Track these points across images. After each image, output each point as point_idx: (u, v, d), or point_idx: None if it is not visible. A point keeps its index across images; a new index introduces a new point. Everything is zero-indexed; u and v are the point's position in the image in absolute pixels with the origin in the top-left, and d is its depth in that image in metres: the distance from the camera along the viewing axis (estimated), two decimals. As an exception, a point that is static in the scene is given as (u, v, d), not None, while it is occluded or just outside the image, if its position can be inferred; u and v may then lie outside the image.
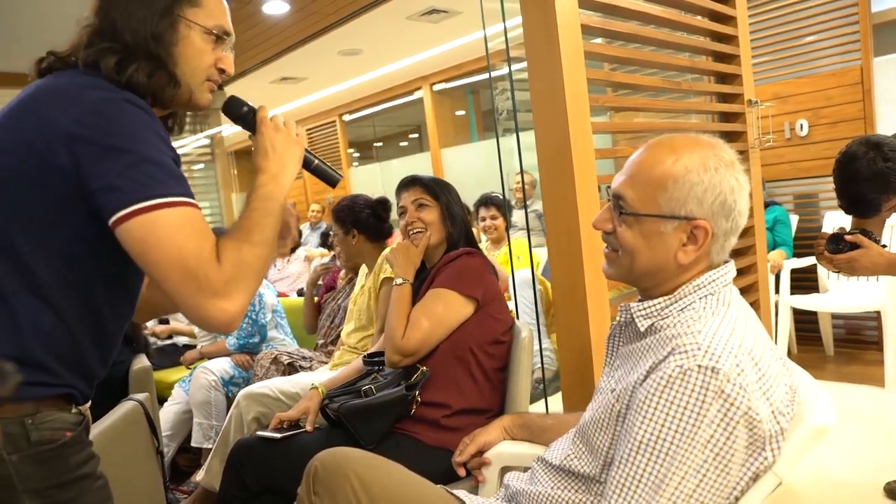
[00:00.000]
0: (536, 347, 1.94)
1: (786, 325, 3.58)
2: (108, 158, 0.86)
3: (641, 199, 1.00)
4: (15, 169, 0.88)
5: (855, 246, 1.79)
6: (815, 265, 3.68)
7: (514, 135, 1.84)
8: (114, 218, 0.86)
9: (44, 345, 0.90)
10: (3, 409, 0.86)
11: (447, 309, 1.72)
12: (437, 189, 1.90)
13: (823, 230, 3.60)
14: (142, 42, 0.97)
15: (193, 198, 0.91)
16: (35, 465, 0.87)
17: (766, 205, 3.66)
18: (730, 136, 2.22)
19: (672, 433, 0.88)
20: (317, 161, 1.14)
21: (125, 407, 1.47)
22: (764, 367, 0.93)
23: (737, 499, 0.91)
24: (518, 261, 3.42)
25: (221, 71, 1.05)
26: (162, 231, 0.86)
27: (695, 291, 1.01)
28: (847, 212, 1.93)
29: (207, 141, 5.74)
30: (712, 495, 0.88)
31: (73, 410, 0.94)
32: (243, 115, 1.10)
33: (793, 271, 3.68)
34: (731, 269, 1.04)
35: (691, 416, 0.87)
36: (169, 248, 0.85)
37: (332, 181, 1.18)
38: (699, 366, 0.88)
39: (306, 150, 1.11)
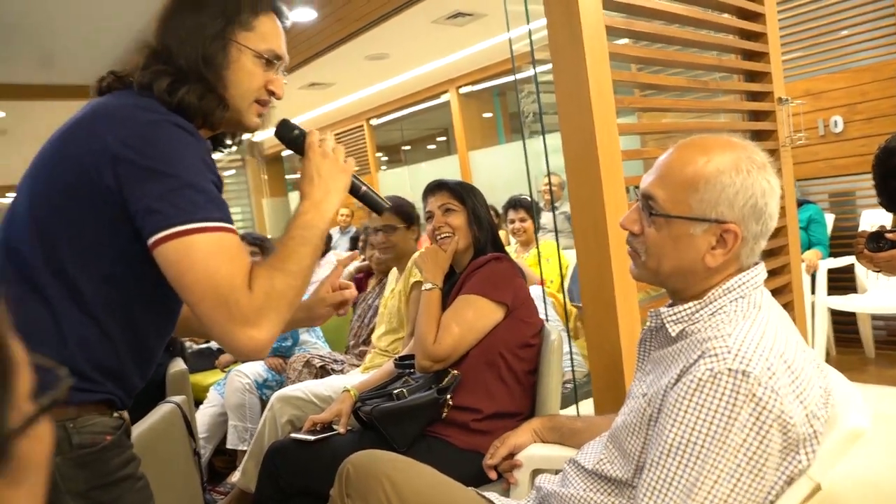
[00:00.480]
0: (565, 349, 1.92)
1: (823, 326, 3.50)
2: (150, 181, 0.88)
3: (672, 200, 0.99)
4: (72, 188, 0.91)
5: None
6: (852, 265, 3.59)
7: (541, 137, 1.83)
8: (152, 240, 0.87)
9: (87, 356, 0.92)
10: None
11: (477, 315, 1.72)
12: (463, 193, 1.91)
13: (861, 228, 3.51)
14: (193, 65, 0.98)
15: (232, 223, 0.92)
16: (77, 468, 0.90)
17: (800, 203, 3.59)
18: (759, 135, 2.18)
19: (703, 437, 0.87)
20: (364, 188, 1.14)
21: (163, 409, 1.51)
22: (797, 370, 0.92)
23: (771, 503, 0.89)
24: (547, 263, 3.41)
25: (271, 93, 1.06)
26: (196, 255, 0.87)
27: (725, 295, 1.00)
28: (887, 209, 1.89)
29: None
30: (747, 499, 0.86)
31: (114, 415, 0.97)
32: (293, 138, 1.11)
33: (830, 271, 3.59)
34: (761, 271, 1.03)
35: (722, 420, 0.86)
36: (202, 273, 0.86)
37: (379, 209, 1.19)
38: (729, 369, 0.87)
39: (354, 176, 1.10)
